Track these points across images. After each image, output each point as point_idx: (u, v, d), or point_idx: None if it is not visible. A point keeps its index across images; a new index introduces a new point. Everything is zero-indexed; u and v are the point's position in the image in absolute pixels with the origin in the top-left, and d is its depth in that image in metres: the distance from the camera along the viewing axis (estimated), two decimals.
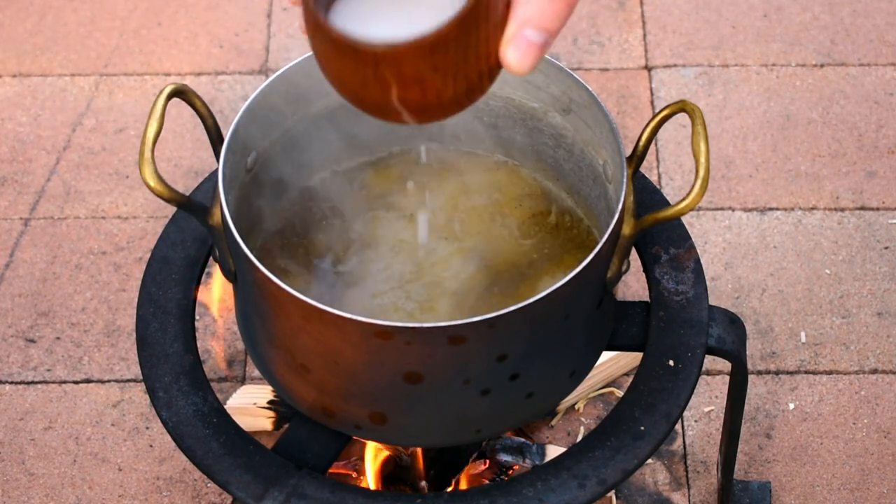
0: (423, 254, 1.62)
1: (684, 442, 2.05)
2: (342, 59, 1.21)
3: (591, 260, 1.45)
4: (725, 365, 2.09)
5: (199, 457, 1.54)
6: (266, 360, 1.57)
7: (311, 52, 1.61)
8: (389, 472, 1.91)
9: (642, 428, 1.55)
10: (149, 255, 1.68)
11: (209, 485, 2.01)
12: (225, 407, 2.01)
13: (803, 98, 2.41)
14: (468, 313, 1.56)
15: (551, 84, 1.59)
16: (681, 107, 1.50)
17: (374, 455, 1.91)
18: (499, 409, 1.53)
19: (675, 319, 1.62)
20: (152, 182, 1.43)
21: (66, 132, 2.39)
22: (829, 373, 2.11)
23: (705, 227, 2.26)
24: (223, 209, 1.47)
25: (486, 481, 1.94)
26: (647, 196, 1.70)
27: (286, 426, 1.80)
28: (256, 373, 2.11)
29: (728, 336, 1.65)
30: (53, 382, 2.11)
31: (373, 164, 1.69)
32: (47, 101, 2.43)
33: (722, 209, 2.28)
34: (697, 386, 2.05)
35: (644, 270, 1.67)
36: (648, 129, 1.53)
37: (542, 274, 1.60)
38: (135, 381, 2.11)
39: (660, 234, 1.68)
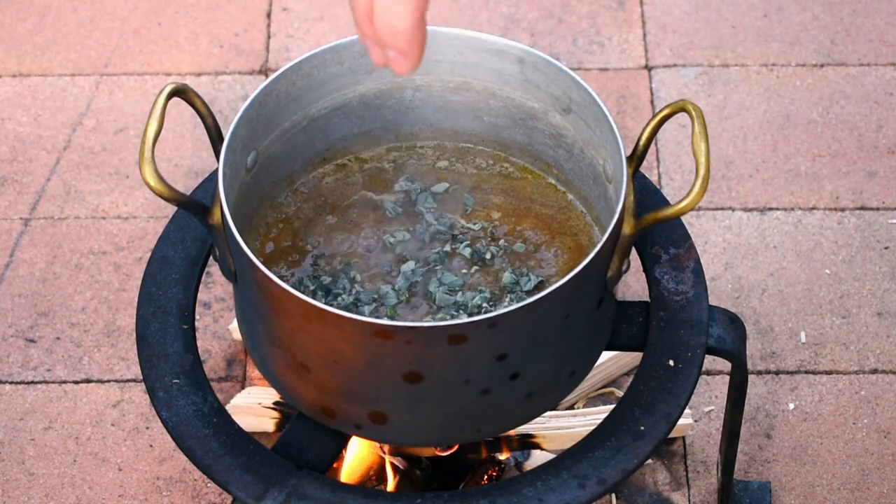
0: (421, 253, 1.62)
1: (684, 442, 2.04)
2: None
3: (591, 260, 1.45)
4: (725, 365, 2.09)
5: (199, 457, 1.54)
6: (266, 359, 1.57)
7: (311, 52, 1.61)
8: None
9: (642, 428, 1.55)
10: (149, 255, 1.68)
11: (209, 485, 2.01)
12: (229, 406, 2.01)
13: (803, 98, 2.41)
14: (468, 312, 1.56)
15: (551, 84, 1.59)
16: (681, 107, 1.50)
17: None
18: (499, 409, 1.53)
19: (675, 319, 1.62)
20: (153, 181, 1.43)
21: (66, 132, 2.39)
22: (829, 373, 2.11)
23: (705, 227, 2.26)
24: (223, 209, 1.47)
25: (486, 481, 1.94)
26: (647, 196, 1.70)
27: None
28: (256, 373, 2.11)
29: (728, 336, 1.65)
30: (53, 382, 2.11)
31: (372, 164, 1.69)
32: (47, 101, 2.43)
33: (722, 209, 2.28)
34: (697, 386, 2.05)
35: (644, 270, 1.67)
36: (648, 129, 1.53)
37: (542, 273, 1.60)
38: (135, 381, 2.11)
39: (660, 234, 1.68)
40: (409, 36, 1.29)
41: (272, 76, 1.56)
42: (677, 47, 2.48)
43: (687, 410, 2.02)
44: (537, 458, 1.97)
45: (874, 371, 2.11)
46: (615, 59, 2.46)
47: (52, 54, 2.49)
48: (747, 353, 2.04)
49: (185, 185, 2.31)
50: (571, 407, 2.07)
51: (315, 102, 1.63)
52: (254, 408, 2.01)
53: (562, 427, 1.97)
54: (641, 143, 1.54)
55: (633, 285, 2.19)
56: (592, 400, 2.09)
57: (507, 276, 1.59)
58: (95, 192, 2.31)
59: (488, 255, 1.61)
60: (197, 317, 2.11)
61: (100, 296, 2.20)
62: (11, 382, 2.12)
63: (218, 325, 2.17)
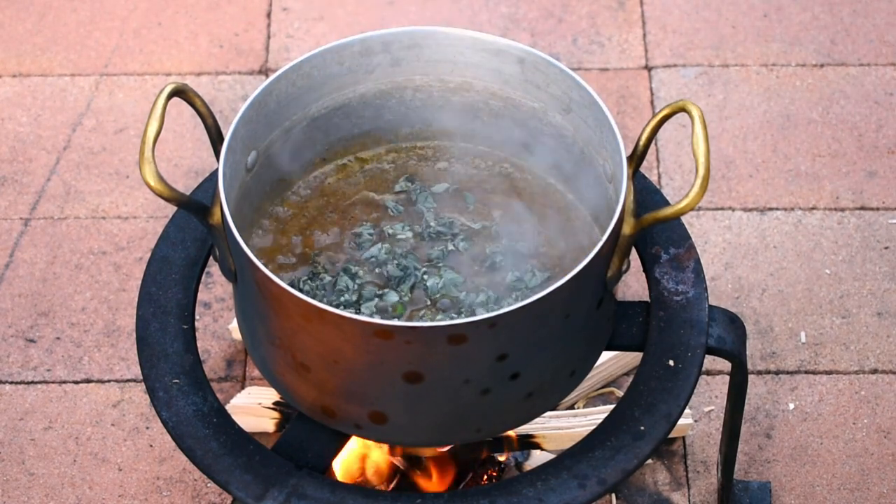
0: (421, 252, 1.62)
1: (684, 442, 2.05)
2: None
3: (592, 259, 1.45)
4: (725, 365, 2.09)
5: (199, 457, 1.54)
6: (266, 359, 1.57)
7: (311, 52, 1.61)
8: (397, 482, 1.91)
9: (642, 428, 1.55)
10: (149, 255, 1.68)
11: (209, 485, 2.01)
12: (229, 405, 2.02)
13: (803, 98, 2.41)
14: (469, 312, 1.56)
15: (551, 84, 1.59)
16: (681, 107, 1.50)
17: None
18: (499, 409, 1.53)
19: (675, 319, 1.62)
20: (153, 181, 1.43)
21: (66, 132, 2.39)
22: (829, 373, 2.11)
23: (705, 227, 2.26)
24: (223, 209, 1.47)
25: (486, 481, 1.94)
26: (647, 196, 1.70)
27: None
28: (256, 373, 2.11)
29: (728, 336, 1.65)
30: (53, 382, 2.11)
31: (372, 164, 1.70)
32: (47, 101, 2.43)
33: (722, 209, 2.28)
34: (697, 386, 2.05)
35: (644, 270, 1.67)
36: (648, 129, 1.53)
37: (542, 273, 1.60)
38: (135, 381, 2.11)
39: (660, 234, 1.68)
40: None
41: (272, 76, 1.57)
42: (677, 47, 2.48)
43: (687, 410, 2.02)
44: (537, 458, 1.97)
45: (874, 371, 2.11)
46: (615, 59, 2.46)
47: (52, 54, 2.49)
48: (747, 353, 2.04)
49: (185, 185, 2.31)
50: (571, 407, 2.07)
51: (315, 102, 1.63)
52: (254, 408, 2.01)
53: (562, 427, 1.97)
54: (641, 143, 1.54)
55: (633, 285, 2.19)
56: (592, 400, 2.09)
57: (511, 274, 1.59)
58: (95, 192, 2.31)
59: (489, 255, 1.61)
60: (197, 317, 2.11)
61: (100, 296, 2.20)
62: (11, 382, 2.12)
63: (218, 325, 2.17)
